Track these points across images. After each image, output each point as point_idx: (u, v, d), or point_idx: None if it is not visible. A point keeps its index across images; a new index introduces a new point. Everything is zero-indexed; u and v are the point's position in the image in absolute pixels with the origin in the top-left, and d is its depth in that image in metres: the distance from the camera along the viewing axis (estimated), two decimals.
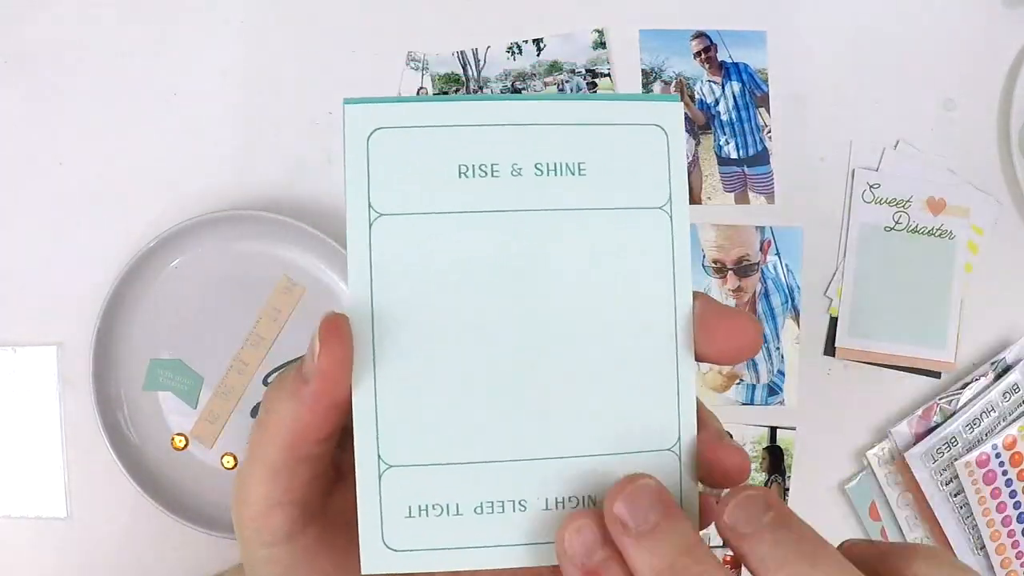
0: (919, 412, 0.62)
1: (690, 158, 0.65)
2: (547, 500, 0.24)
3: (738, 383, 0.64)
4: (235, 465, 0.60)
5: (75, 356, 0.61)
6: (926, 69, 0.66)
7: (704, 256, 0.64)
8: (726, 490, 0.24)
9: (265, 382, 0.61)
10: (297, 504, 0.25)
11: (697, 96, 0.65)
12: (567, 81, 0.64)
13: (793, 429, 0.63)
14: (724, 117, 0.65)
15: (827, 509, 0.63)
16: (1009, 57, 0.66)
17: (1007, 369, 0.63)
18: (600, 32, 0.64)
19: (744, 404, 0.64)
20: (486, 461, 0.24)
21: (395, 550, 0.24)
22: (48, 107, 0.63)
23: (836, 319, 0.64)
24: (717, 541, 0.34)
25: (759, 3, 0.66)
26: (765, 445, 0.63)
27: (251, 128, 0.63)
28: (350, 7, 0.64)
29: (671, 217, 0.25)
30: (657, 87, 0.65)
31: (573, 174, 0.25)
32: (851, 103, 0.65)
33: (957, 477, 0.61)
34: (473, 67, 0.64)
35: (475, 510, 0.24)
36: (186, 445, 0.61)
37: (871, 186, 0.64)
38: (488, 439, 0.24)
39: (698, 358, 0.25)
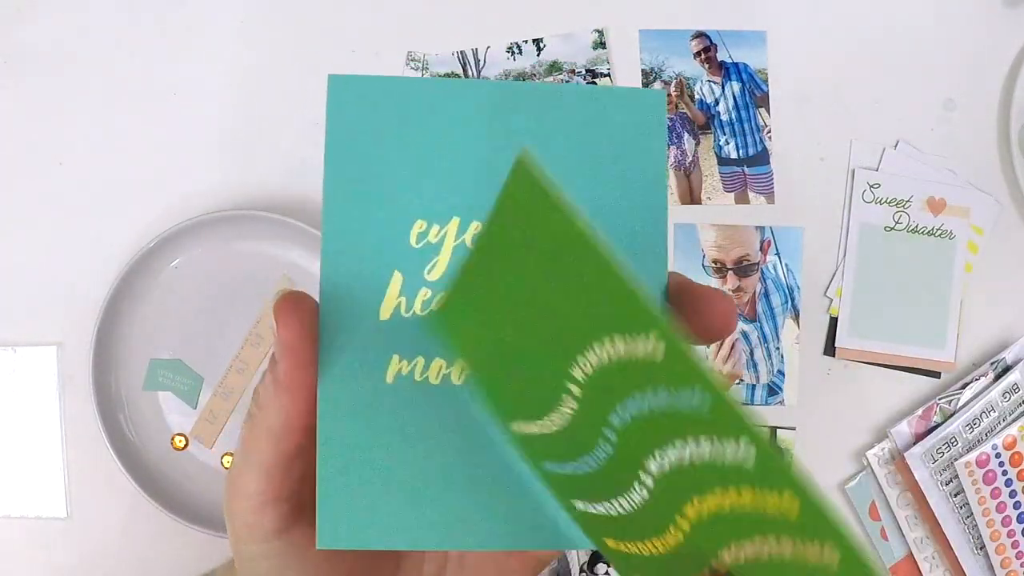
0: (919, 412, 0.62)
1: (690, 158, 0.65)
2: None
3: (738, 383, 0.64)
4: None
5: (75, 356, 0.61)
6: (926, 69, 0.66)
7: (704, 256, 0.64)
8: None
9: None
10: (289, 501, 0.25)
11: (697, 96, 0.65)
12: (567, 81, 0.64)
13: (793, 429, 0.63)
14: (724, 117, 0.65)
15: None
16: (1009, 57, 0.66)
17: (1007, 369, 0.63)
18: (600, 32, 0.65)
19: (744, 404, 0.63)
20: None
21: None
22: (48, 107, 0.63)
23: (836, 319, 0.64)
24: None
25: (759, 3, 0.66)
26: None
27: (251, 128, 0.63)
28: (350, 7, 0.64)
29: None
30: (657, 87, 0.65)
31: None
32: (851, 103, 0.65)
33: (957, 477, 0.61)
34: (473, 67, 0.64)
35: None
36: (186, 445, 0.61)
37: (871, 186, 0.64)
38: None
39: None
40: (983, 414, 0.61)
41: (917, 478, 0.61)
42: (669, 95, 0.65)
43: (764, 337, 0.64)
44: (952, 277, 0.64)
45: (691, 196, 0.64)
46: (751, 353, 0.64)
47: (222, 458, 0.61)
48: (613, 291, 0.18)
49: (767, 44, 0.65)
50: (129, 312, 0.60)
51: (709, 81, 0.65)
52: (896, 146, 0.65)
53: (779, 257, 0.64)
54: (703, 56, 0.65)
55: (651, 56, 0.65)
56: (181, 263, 0.61)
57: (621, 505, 0.22)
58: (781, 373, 0.64)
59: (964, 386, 0.63)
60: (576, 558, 0.61)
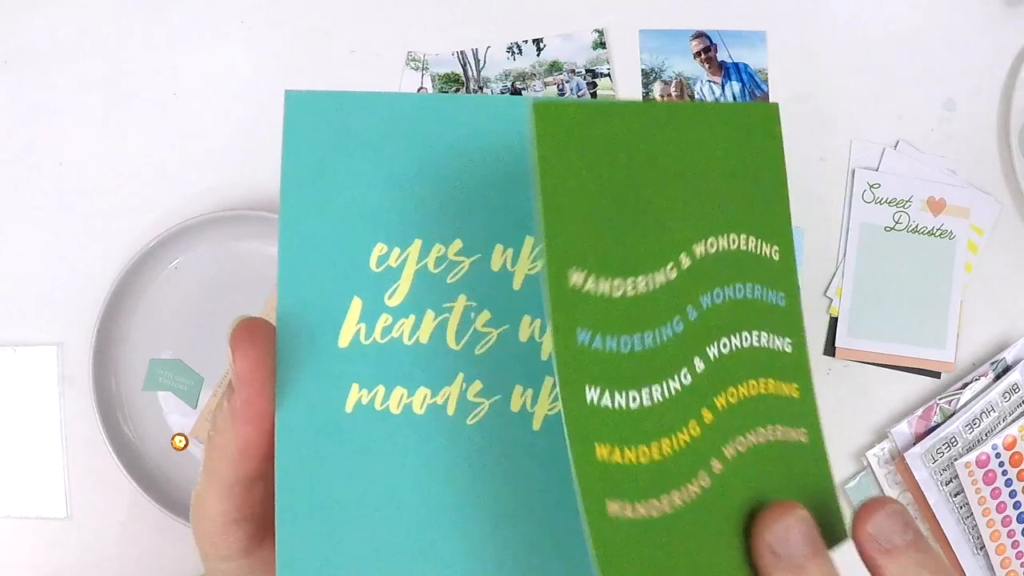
0: (919, 412, 0.62)
1: None
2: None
3: None
4: None
5: (75, 356, 0.61)
6: (926, 69, 0.66)
7: None
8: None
9: None
10: (253, 520, 0.25)
11: (697, 96, 0.65)
12: (567, 81, 0.64)
13: None
14: None
15: None
16: (1009, 57, 0.66)
17: (1007, 369, 0.63)
18: (600, 32, 0.64)
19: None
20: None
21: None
22: (48, 107, 0.63)
23: (836, 319, 0.64)
24: None
25: (759, 3, 0.66)
26: None
27: (251, 128, 0.63)
28: (350, 7, 0.64)
29: None
30: (657, 87, 0.65)
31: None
32: (851, 103, 0.65)
33: (957, 477, 0.61)
34: (473, 67, 0.64)
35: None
36: (186, 445, 0.61)
37: (871, 186, 0.64)
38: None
39: None
40: (983, 414, 0.61)
41: (917, 478, 0.61)
42: (669, 95, 0.65)
43: None
44: (952, 277, 0.64)
45: None
46: None
47: None
48: (763, 199, 0.24)
49: (767, 44, 0.65)
50: (129, 312, 0.60)
51: (709, 81, 0.65)
52: (896, 146, 0.65)
53: None
54: (703, 56, 0.65)
55: (651, 56, 0.65)
56: (181, 263, 0.61)
57: (655, 393, 0.21)
58: None
59: (964, 386, 0.63)
60: None
